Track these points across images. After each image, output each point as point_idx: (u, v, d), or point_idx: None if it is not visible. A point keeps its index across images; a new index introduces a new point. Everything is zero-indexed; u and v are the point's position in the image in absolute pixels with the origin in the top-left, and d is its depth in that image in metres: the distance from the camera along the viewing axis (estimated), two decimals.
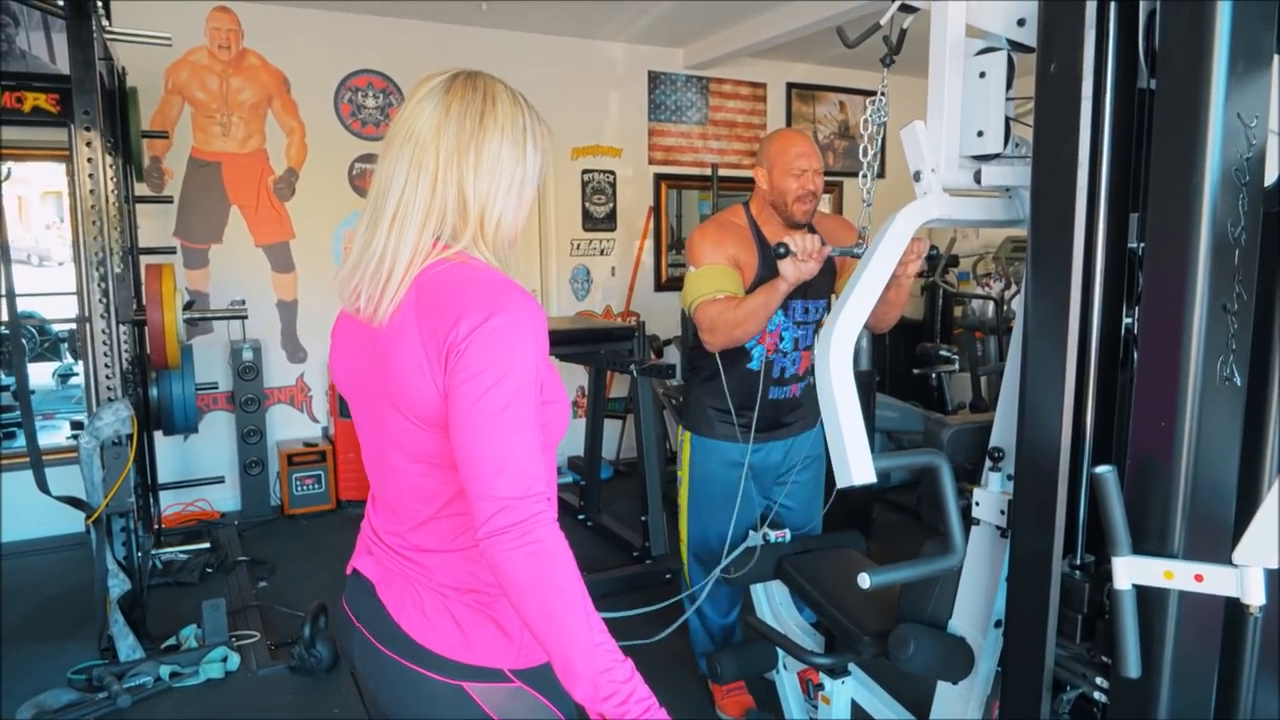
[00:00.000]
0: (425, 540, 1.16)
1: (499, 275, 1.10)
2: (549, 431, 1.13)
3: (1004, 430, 1.74)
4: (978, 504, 1.76)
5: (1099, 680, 1.47)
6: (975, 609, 1.83)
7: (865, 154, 1.97)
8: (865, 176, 1.98)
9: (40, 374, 7.81)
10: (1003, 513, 1.70)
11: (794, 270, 2.17)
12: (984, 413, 5.44)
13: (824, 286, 2.51)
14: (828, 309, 2.62)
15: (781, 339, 2.49)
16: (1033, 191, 1.46)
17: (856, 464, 1.43)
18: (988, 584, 1.80)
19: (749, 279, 2.43)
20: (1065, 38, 1.37)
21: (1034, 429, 1.48)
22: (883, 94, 1.95)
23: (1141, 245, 1.47)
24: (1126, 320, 1.50)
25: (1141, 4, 1.36)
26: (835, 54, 6.04)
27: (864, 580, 1.45)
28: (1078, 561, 1.53)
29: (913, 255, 2.13)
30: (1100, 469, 1.30)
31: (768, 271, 2.40)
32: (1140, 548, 1.32)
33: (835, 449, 1.42)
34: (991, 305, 5.53)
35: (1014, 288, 5.44)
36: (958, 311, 6.15)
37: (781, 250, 2.16)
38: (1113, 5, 1.38)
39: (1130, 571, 1.31)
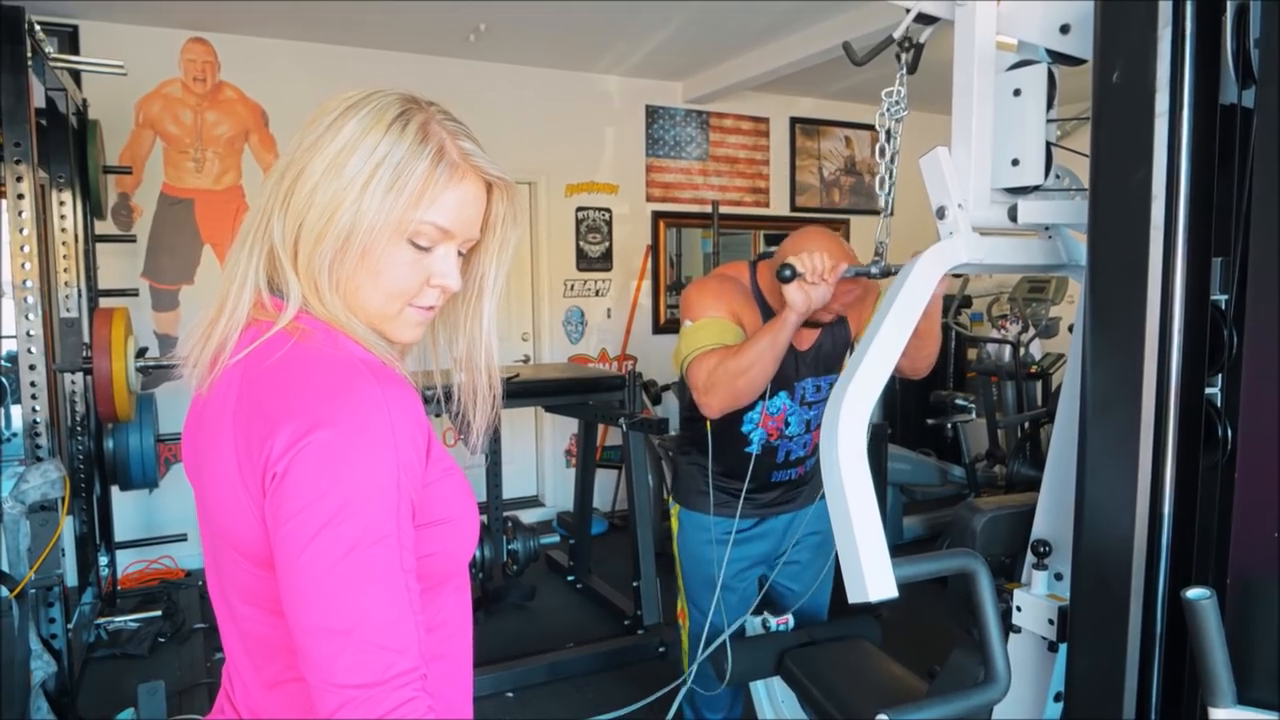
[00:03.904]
0: (274, 708, 0.85)
1: (347, 357, 0.80)
2: (438, 562, 0.83)
3: (1051, 519, 1.43)
4: (1019, 609, 1.45)
5: None
6: None
7: (883, 153, 1.64)
8: (883, 180, 1.63)
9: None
10: (1051, 622, 1.39)
11: (803, 297, 1.80)
12: (1001, 463, 5.17)
13: (838, 358, 2.18)
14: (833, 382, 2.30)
15: (787, 424, 2.14)
16: (1091, 231, 1.17)
17: (873, 576, 1.12)
18: (1031, 704, 1.49)
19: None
20: (1133, 40, 1.09)
21: (1098, 526, 1.18)
22: (899, 99, 1.64)
23: (1225, 298, 1.18)
24: (1208, 390, 1.20)
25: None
26: (840, 88, 5.82)
27: None
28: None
29: None
30: (1194, 593, 0.99)
31: None
32: (1246, 696, 1.01)
33: (847, 557, 1.12)
34: (1008, 349, 5.23)
35: (1031, 331, 5.15)
36: (971, 355, 5.85)
37: (786, 273, 1.79)
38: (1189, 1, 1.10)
39: None
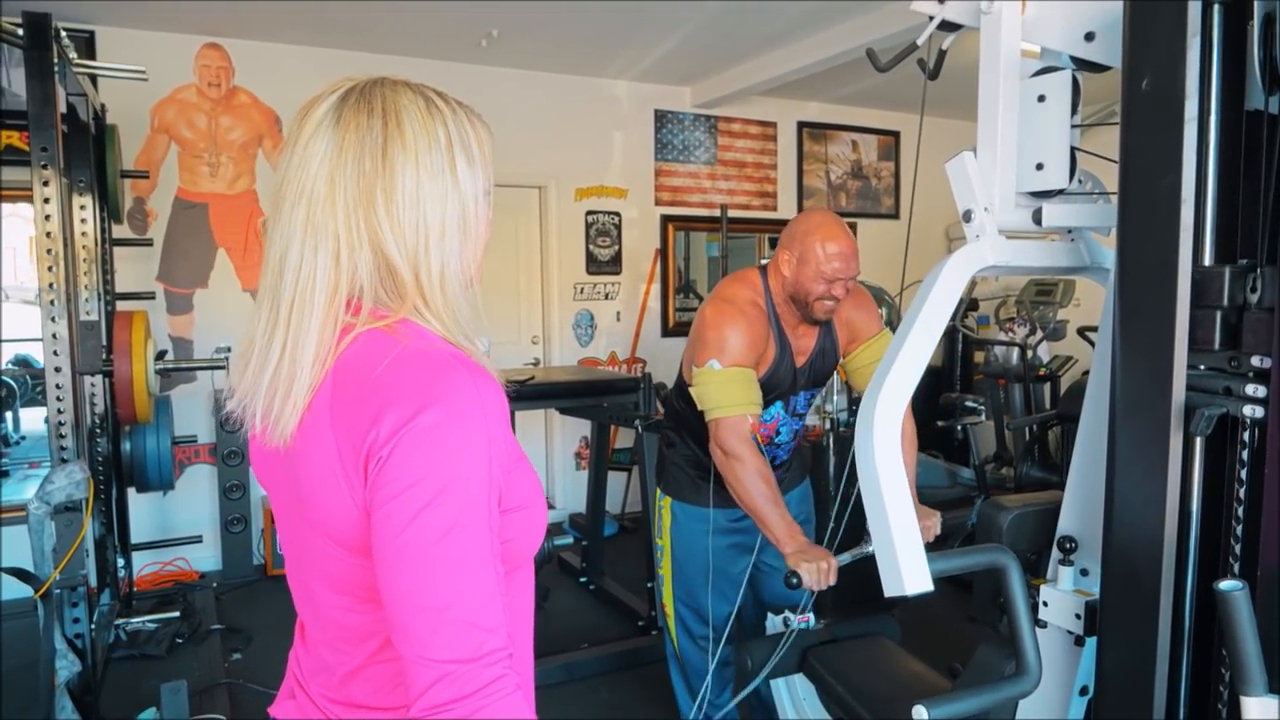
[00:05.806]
0: (358, 693, 0.88)
1: (439, 350, 0.83)
2: (515, 548, 0.86)
3: (1076, 516, 1.46)
4: (1045, 604, 1.47)
5: None
6: None
7: None
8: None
9: (33, 420, 7.58)
10: (1078, 617, 1.42)
11: (808, 579, 1.85)
12: (1009, 465, 5.19)
13: (827, 373, 2.28)
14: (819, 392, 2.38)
15: (778, 433, 2.25)
16: (1120, 234, 1.20)
17: (910, 570, 1.15)
18: (1057, 698, 1.51)
19: (764, 370, 2.14)
20: (1163, 47, 1.12)
21: (1128, 524, 1.20)
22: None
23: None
24: None
25: (1256, 4, 1.12)
26: (847, 92, 5.85)
27: (920, 713, 1.17)
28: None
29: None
30: (1226, 585, 1.02)
31: (783, 364, 2.16)
32: (1278, 686, 1.04)
33: (883, 553, 1.15)
34: (1015, 351, 5.26)
35: (1038, 333, 5.18)
36: (978, 357, 5.87)
37: (794, 581, 1.85)
38: (1216, 7, 1.13)
39: (1267, 717, 1.03)
